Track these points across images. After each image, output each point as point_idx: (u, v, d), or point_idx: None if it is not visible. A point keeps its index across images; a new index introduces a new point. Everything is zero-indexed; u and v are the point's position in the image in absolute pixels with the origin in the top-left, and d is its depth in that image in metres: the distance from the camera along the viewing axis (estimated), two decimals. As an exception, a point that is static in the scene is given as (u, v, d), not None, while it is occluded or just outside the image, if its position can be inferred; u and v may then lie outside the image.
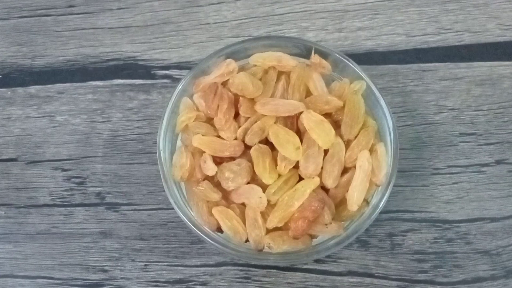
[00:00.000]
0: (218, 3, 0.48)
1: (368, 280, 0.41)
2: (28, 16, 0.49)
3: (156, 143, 0.39)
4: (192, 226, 0.37)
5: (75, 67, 0.47)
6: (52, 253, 0.42)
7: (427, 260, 0.41)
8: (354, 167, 0.37)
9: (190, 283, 0.41)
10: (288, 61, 0.39)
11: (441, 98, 0.45)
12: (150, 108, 0.46)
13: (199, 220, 0.37)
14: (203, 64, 0.40)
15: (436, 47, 0.46)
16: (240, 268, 0.41)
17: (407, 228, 0.42)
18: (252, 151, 0.36)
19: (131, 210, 0.43)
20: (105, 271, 0.42)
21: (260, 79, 0.39)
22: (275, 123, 0.37)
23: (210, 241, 0.37)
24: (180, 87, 0.39)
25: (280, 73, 0.39)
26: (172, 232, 0.42)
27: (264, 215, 0.36)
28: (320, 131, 0.36)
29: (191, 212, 0.38)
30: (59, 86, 0.47)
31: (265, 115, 0.37)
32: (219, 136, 0.38)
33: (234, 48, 0.40)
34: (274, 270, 0.41)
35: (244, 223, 0.36)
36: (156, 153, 0.38)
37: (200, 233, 0.37)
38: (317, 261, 0.41)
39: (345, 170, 0.37)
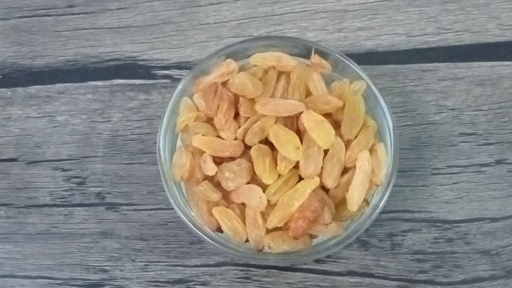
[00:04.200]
0: (218, 3, 0.48)
1: (368, 280, 0.41)
2: (28, 16, 0.49)
3: (156, 143, 0.38)
4: (192, 226, 0.37)
5: (75, 67, 0.47)
6: (52, 253, 0.42)
7: (427, 260, 0.41)
8: (354, 167, 0.37)
9: (190, 283, 0.41)
10: (288, 61, 0.39)
11: (441, 98, 0.45)
12: (150, 108, 0.46)
13: (199, 220, 0.37)
14: (203, 64, 0.40)
15: (436, 47, 0.46)
16: (240, 268, 0.41)
17: (407, 228, 0.42)
18: (252, 151, 0.36)
19: (131, 210, 0.43)
20: (105, 271, 0.42)
21: (260, 79, 0.39)
22: (275, 123, 0.37)
23: (210, 241, 0.37)
24: (180, 87, 0.39)
25: (280, 73, 0.39)
26: (172, 232, 0.42)
27: (264, 215, 0.36)
28: (320, 131, 0.36)
29: (191, 212, 0.38)
30: (59, 86, 0.47)
31: (265, 115, 0.37)
32: (219, 136, 0.38)
33: (234, 48, 0.40)
34: (274, 270, 0.41)
35: (244, 223, 0.36)
36: (156, 153, 0.38)
37: (200, 233, 0.37)
38: (317, 261, 0.41)
39: (345, 170, 0.37)
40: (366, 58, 0.46)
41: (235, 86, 0.37)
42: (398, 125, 0.44)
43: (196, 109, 0.39)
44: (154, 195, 0.43)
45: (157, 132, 0.39)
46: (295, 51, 0.40)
